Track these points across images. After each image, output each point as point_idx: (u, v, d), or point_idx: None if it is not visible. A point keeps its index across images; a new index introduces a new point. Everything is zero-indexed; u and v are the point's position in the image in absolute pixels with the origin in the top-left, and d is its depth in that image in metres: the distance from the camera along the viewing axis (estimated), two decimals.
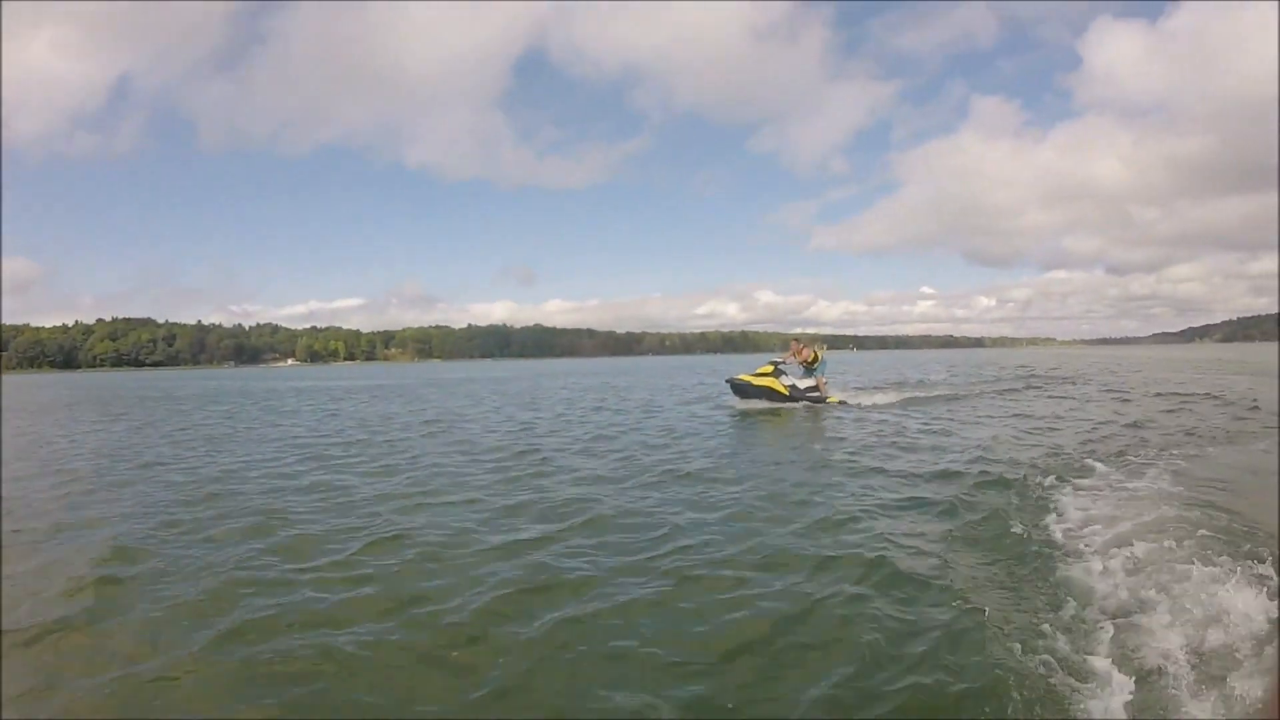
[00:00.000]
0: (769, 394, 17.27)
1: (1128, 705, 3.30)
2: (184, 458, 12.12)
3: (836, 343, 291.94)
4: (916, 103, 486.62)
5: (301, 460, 11.40)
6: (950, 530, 6.22)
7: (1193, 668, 3.62)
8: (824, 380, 17.95)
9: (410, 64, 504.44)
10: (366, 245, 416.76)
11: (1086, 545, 5.58)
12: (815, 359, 18.07)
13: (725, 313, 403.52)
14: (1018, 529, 6.09)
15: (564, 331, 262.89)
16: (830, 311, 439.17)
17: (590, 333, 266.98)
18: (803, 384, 17.68)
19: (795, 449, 11.54)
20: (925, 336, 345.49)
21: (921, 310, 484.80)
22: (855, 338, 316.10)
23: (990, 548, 5.72)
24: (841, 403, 17.81)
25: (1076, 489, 7.59)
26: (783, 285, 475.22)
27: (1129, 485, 7.74)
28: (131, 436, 16.01)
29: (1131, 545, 5.39)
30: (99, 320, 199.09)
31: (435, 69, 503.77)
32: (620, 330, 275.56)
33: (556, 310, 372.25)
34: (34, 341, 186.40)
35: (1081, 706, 3.31)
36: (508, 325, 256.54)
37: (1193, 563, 4.87)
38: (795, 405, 17.16)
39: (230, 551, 6.05)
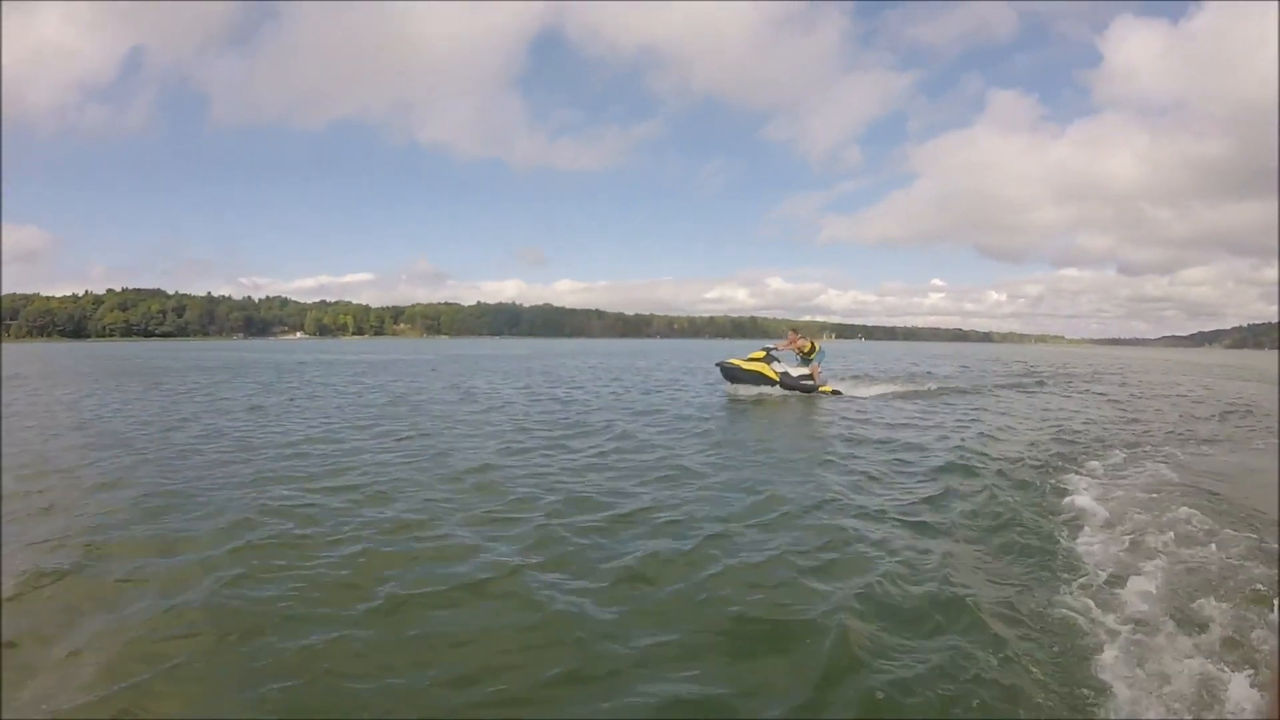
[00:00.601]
0: (758, 379, 17.18)
1: (1122, 661, 3.69)
2: (255, 427, 12.13)
3: (846, 332, 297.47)
4: (932, 95, 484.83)
5: (375, 432, 11.41)
6: (981, 508, 6.63)
7: (1186, 628, 4.05)
8: (819, 369, 17.81)
9: (426, 42, 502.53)
10: (377, 221, 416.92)
11: (1097, 522, 6.20)
12: (812, 348, 17.93)
13: (735, 298, 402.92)
14: (1039, 508, 6.66)
15: (574, 312, 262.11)
16: (840, 300, 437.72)
17: (600, 314, 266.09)
18: (795, 371, 17.50)
19: (832, 427, 12.27)
20: (935, 329, 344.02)
21: (932, 302, 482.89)
22: (864, 328, 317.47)
23: (1016, 524, 6.11)
24: (835, 392, 17.64)
25: (1089, 474, 8.31)
26: (793, 273, 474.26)
27: (1136, 473, 8.48)
28: (186, 405, 15.91)
29: (1135, 522, 6.14)
30: (109, 290, 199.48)
31: (451, 47, 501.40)
32: (630, 312, 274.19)
33: (566, 290, 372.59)
34: (44, 311, 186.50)
35: (1088, 662, 3.70)
36: (517, 304, 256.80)
37: (1189, 534, 5.75)
38: (786, 392, 17.14)
39: (356, 519, 6.03)
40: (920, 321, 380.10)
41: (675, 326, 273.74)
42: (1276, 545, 5.39)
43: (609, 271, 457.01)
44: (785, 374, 17.27)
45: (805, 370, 17.58)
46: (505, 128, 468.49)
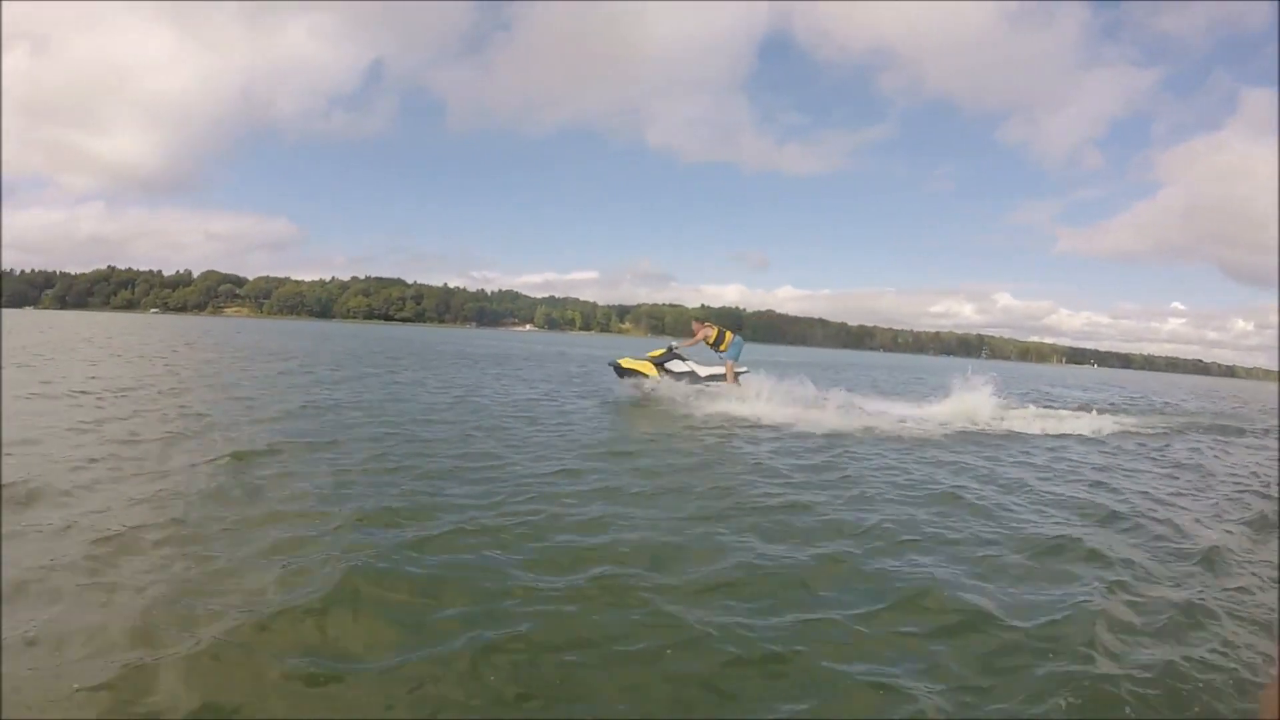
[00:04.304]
0: (636, 377, 15.69)
1: None
2: None
3: (1076, 356, 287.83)
4: (1179, 93, 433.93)
5: None
6: None
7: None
8: (732, 365, 15.69)
9: (654, 47, 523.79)
10: (603, 221, 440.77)
11: None
12: (720, 338, 15.88)
13: (961, 313, 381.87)
14: None
15: (796, 319, 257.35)
16: (1071, 321, 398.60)
17: (823, 323, 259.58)
18: (704, 371, 15.54)
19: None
20: (1172, 359, 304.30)
21: (1170, 329, 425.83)
22: (1096, 352, 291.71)
23: None
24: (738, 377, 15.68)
25: None
26: (1021, 289, 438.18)
27: None
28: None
29: None
30: (354, 278, 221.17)
31: (679, 52, 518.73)
32: (852, 323, 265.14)
33: (788, 297, 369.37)
34: (295, 293, 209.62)
35: None
36: (740, 309, 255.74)
37: None
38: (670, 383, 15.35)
39: None
40: (1156, 349, 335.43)
41: (899, 341, 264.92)
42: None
43: (831, 279, 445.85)
44: (689, 374, 15.52)
45: (719, 370, 15.65)
46: (733, 131, 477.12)
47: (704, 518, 6.23)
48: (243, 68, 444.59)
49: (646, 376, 15.58)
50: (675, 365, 15.56)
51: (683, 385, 15.13)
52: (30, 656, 3.43)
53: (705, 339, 16.00)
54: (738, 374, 15.68)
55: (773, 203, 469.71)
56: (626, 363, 15.96)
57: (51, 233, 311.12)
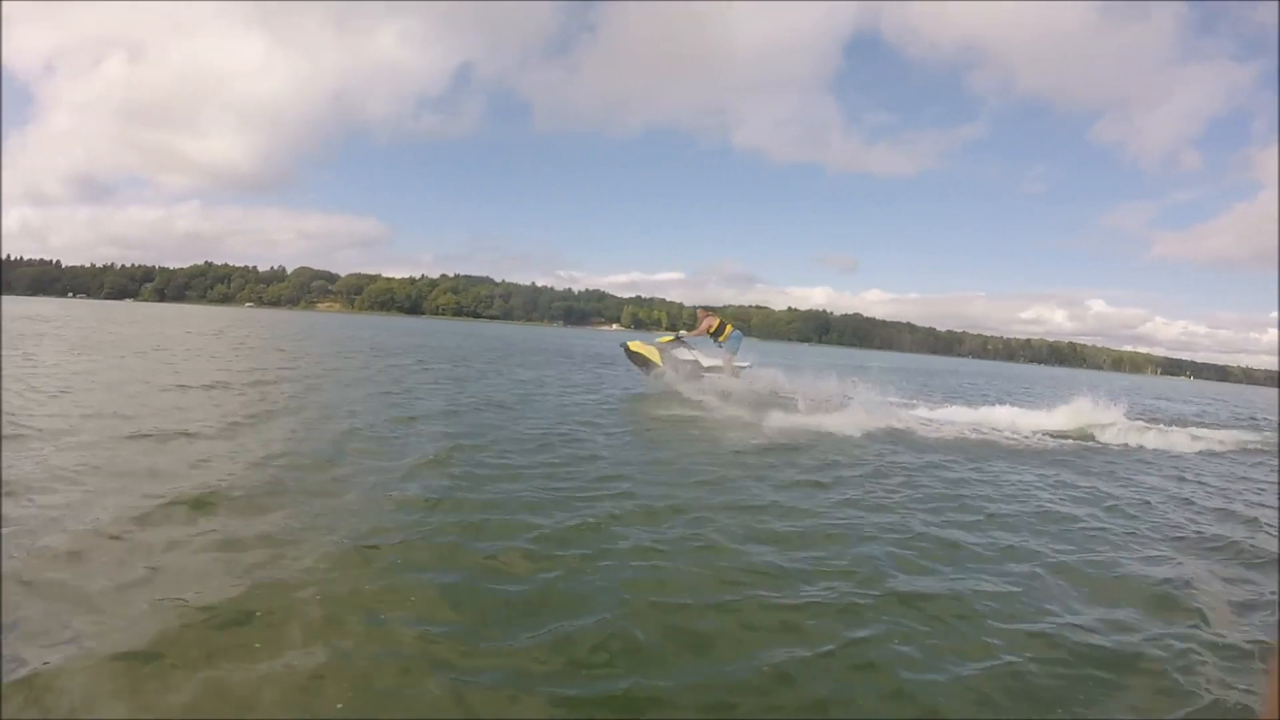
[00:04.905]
0: (645, 365, 16.12)
1: None
2: None
3: (1171, 368, 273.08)
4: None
5: None
6: None
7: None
8: (732, 359, 15.73)
9: (740, 47, 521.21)
10: (688, 222, 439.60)
11: None
12: (720, 330, 15.80)
13: (1052, 320, 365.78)
14: None
15: (884, 324, 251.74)
16: (1167, 330, 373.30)
17: (911, 328, 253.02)
18: (707, 361, 15.59)
19: None
20: (1272, 372, 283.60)
21: (1270, 340, 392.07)
22: (1192, 364, 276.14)
23: None
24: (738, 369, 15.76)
25: None
26: (1115, 295, 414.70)
27: None
28: None
29: None
30: (443, 275, 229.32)
31: (765, 52, 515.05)
32: (941, 328, 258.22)
33: (875, 300, 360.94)
34: (385, 289, 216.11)
35: None
36: (827, 311, 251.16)
37: None
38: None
39: None
40: (1255, 361, 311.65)
41: (988, 347, 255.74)
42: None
43: (920, 283, 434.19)
44: (693, 363, 15.67)
45: (719, 363, 15.71)
46: (819, 131, 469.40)
47: (922, 525, 6.40)
48: (334, 72, 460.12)
49: (651, 361, 15.91)
50: (681, 353, 15.69)
51: (717, 378, 15.27)
52: (287, 688, 3.13)
53: (708, 328, 15.95)
54: (739, 369, 15.75)
55: (860, 204, 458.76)
56: (635, 346, 16.28)
57: (150, 229, 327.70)
